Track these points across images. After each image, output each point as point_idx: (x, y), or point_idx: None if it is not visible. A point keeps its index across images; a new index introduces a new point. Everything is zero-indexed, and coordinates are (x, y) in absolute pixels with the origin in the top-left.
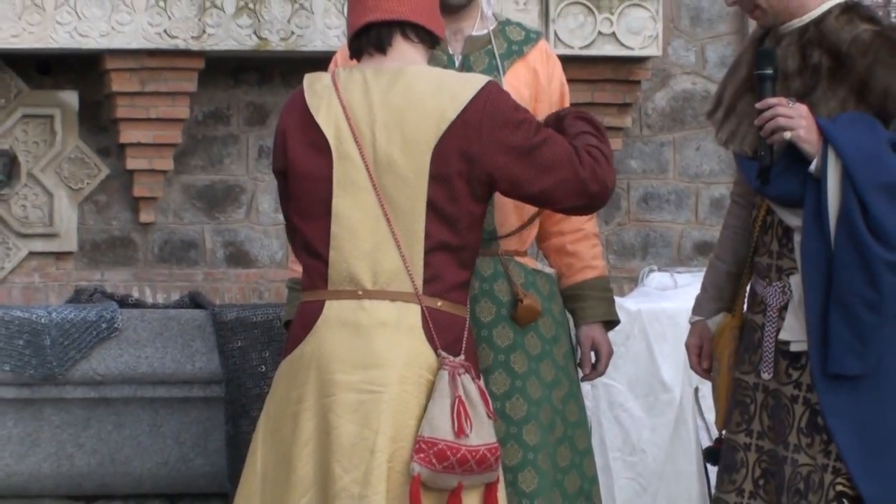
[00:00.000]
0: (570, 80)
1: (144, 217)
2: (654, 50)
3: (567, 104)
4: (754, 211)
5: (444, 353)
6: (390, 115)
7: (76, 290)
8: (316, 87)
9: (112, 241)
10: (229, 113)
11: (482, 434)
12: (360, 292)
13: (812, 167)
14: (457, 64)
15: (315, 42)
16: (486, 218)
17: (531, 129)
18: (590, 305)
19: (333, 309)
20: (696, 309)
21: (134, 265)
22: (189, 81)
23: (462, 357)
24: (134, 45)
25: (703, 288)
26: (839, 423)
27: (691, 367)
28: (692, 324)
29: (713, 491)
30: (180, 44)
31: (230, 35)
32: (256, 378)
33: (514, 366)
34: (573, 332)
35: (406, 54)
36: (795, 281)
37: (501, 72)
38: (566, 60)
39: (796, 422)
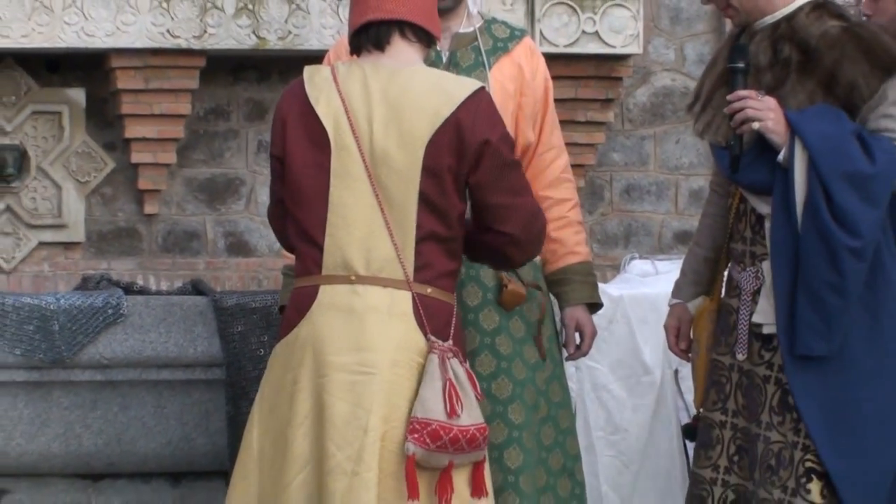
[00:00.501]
0: (555, 77)
1: (149, 209)
2: (635, 48)
3: (551, 99)
4: (729, 199)
5: (433, 338)
6: (388, 110)
7: (83, 277)
8: (315, 79)
9: (118, 232)
10: (229, 109)
11: (472, 414)
12: (353, 277)
13: (780, 157)
14: (444, 60)
15: (311, 41)
16: None
17: (511, 148)
18: (573, 289)
19: (327, 294)
20: (675, 292)
21: (139, 255)
22: (191, 79)
23: (451, 342)
24: (138, 45)
25: (682, 272)
26: (807, 402)
27: (669, 347)
28: (671, 306)
29: (691, 466)
30: (182, 43)
31: (230, 35)
32: (255, 361)
33: (500, 348)
34: (558, 316)
35: (403, 53)
36: (767, 266)
37: (487, 67)
38: (551, 58)
39: (768, 401)
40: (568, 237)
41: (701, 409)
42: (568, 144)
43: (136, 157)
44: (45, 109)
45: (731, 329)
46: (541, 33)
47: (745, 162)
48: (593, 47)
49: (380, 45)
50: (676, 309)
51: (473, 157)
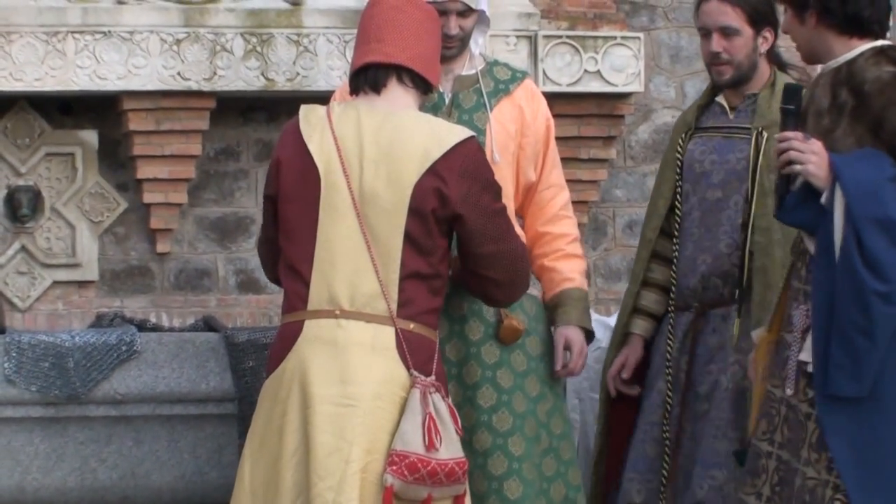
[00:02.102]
0: (557, 116)
1: (161, 247)
2: (636, 86)
3: (552, 138)
4: (797, 237)
5: (416, 373)
6: (378, 151)
7: (97, 315)
8: (310, 118)
9: (131, 271)
10: (239, 149)
11: (451, 449)
12: (338, 312)
13: (822, 199)
14: (447, 101)
15: (319, 82)
16: None
17: (496, 196)
18: (565, 311)
19: (312, 328)
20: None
21: (152, 292)
22: (201, 120)
23: (433, 377)
24: (149, 87)
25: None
26: (838, 441)
27: (749, 377)
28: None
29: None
30: (193, 85)
31: (239, 76)
32: None
33: (501, 381)
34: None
35: (399, 97)
36: None
37: (489, 108)
38: (554, 97)
39: (808, 437)
40: (564, 266)
41: (753, 438)
42: (571, 181)
43: (148, 198)
44: (59, 151)
45: (784, 363)
46: (544, 73)
47: (793, 201)
48: (595, 86)
49: (376, 87)
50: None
51: (458, 203)
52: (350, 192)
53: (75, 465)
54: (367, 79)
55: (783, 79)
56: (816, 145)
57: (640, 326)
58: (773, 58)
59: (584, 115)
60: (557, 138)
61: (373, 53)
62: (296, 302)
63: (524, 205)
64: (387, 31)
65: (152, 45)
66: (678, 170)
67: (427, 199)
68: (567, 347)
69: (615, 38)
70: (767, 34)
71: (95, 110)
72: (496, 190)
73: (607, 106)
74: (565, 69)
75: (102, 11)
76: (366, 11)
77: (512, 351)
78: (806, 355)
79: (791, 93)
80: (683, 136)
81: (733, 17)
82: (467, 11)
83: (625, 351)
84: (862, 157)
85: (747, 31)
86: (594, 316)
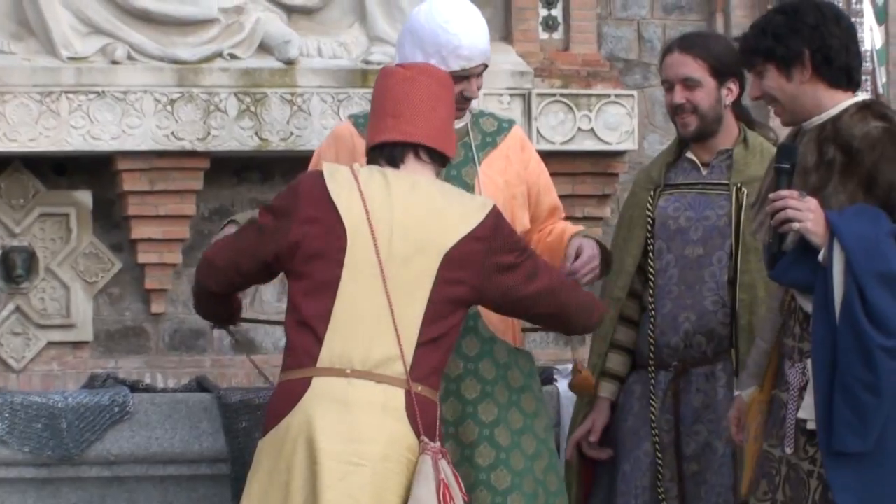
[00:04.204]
0: (552, 174)
1: (155, 308)
2: (630, 144)
3: (549, 181)
4: (784, 296)
5: (425, 439)
6: (409, 217)
7: (90, 376)
8: (336, 176)
9: (125, 331)
10: (234, 209)
11: None
12: (349, 371)
13: (820, 257)
14: None
15: (313, 142)
16: None
17: (524, 251)
18: (579, 233)
19: (321, 385)
20: (739, 385)
21: (146, 353)
22: (195, 180)
23: (438, 443)
24: (143, 147)
25: (746, 365)
26: (845, 497)
27: (732, 436)
28: (735, 398)
29: None
30: (187, 145)
31: (233, 136)
32: None
33: (499, 439)
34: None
35: (416, 171)
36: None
37: (477, 162)
38: (548, 155)
39: (811, 495)
40: (566, 226)
41: (751, 498)
42: None
43: (142, 258)
44: (53, 211)
45: (781, 422)
46: (537, 131)
47: (788, 261)
48: (589, 144)
49: (394, 163)
50: (738, 400)
51: (486, 276)
52: (377, 254)
53: None
54: (383, 154)
55: (754, 136)
56: (812, 203)
57: (608, 390)
58: (741, 114)
59: (579, 173)
60: None
61: (389, 131)
62: (304, 358)
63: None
64: (403, 107)
65: (146, 104)
66: (649, 227)
67: (454, 269)
68: (578, 252)
69: (609, 95)
70: (732, 85)
71: (89, 170)
72: (522, 247)
73: (601, 164)
74: (559, 127)
75: (96, 71)
76: (379, 82)
77: (508, 408)
78: (805, 413)
79: (785, 151)
80: (652, 193)
81: (694, 69)
82: (484, 70)
83: (592, 415)
84: (858, 213)
85: (710, 82)
86: None
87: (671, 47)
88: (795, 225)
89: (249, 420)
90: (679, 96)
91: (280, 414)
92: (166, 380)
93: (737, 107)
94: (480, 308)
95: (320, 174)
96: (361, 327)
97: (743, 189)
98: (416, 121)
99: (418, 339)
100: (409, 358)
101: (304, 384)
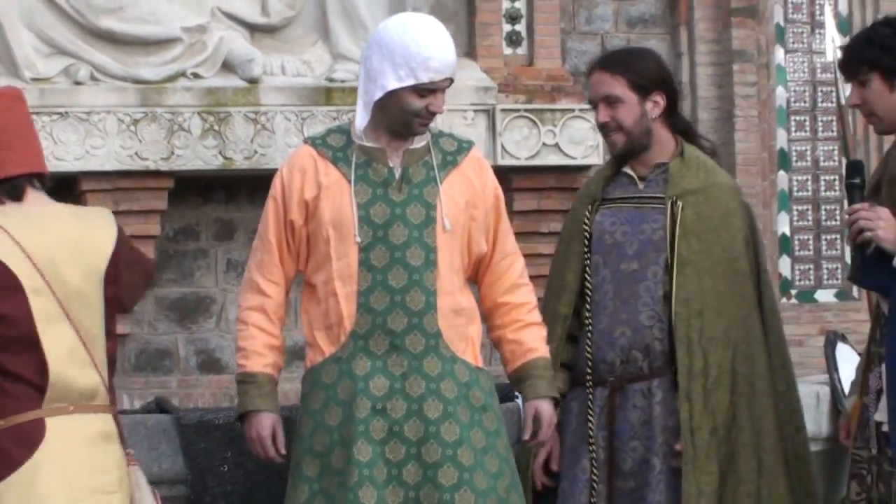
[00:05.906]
0: (516, 190)
1: (121, 328)
2: (595, 158)
3: (503, 207)
4: (872, 303)
5: (130, 451)
6: (66, 247)
7: None
8: None
9: None
10: (199, 229)
11: None
12: (72, 408)
13: (894, 262)
14: (397, 176)
15: (277, 160)
16: (430, 319)
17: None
18: (532, 384)
19: (55, 424)
20: (848, 395)
21: (113, 374)
22: (160, 200)
23: (130, 449)
24: (107, 167)
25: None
26: None
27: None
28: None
29: None
30: (151, 165)
31: (197, 155)
32: (219, 477)
33: (462, 459)
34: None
35: (38, 201)
36: None
37: (439, 182)
38: (513, 171)
39: (894, 495)
40: (526, 337)
41: (845, 501)
42: (531, 255)
43: None
44: None
45: (866, 425)
46: (502, 146)
47: (868, 266)
48: (554, 159)
49: (17, 196)
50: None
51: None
52: (53, 294)
53: None
54: (3, 189)
55: (691, 149)
56: (884, 212)
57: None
58: (679, 126)
59: (544, 188)
60: (517, 212)
61: (11, 165)
62: (27, 402)
63: (479, 274)
64: (12, 137)
65: (109, 125)
66: (586, 242)
67: (110, 288)
68: (536, 418)
69: (573, 110)
70: (658, 98)
71: (53, 191)
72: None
73: (566, 179)
74: (523, 142)
75: (59, 92)
76: None
77: (471, 428)
78: (880, 416)
79: (854, 167)
80: (589, 207)
81: (613, 86)
82: (449, 85)
83: (549, 441)
84: None
85: (631, 97)
86: None
87: (593, 66)
88: (868, 234)
89: (208, 441)
90: (602, 115)
91: (19, 460)
92: (132, 400)
93: (672, 119)
94: (441, 328)
95: None
96: (68, 368)
97: (678, 202)
98: (30, 150)
99: (108, 361)
100: (106, 382)
101: (39, 425)
